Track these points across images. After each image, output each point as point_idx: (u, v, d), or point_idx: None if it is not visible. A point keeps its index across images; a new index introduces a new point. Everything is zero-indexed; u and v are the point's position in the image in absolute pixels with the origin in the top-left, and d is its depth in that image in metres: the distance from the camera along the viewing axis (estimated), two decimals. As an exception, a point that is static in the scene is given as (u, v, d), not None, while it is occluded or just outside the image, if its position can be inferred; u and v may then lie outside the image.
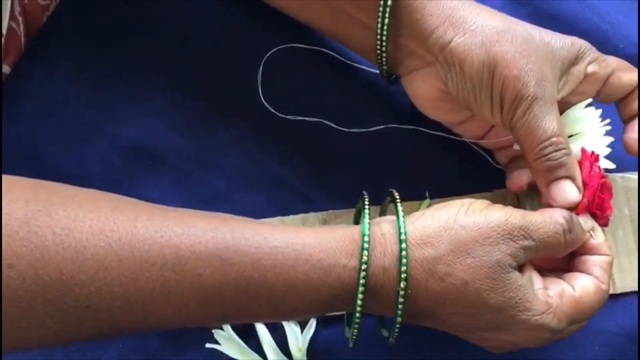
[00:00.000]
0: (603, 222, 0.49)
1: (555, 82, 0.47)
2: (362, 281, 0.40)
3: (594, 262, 0.45)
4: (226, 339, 0.51)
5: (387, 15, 0.46)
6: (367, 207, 0.44)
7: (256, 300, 0.40)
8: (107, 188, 0.52)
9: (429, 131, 0.54)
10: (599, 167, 0.48)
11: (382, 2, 0.46)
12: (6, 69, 0.54)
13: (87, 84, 0.56)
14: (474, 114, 0.50)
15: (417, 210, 0.52)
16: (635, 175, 0.54)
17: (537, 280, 0.43)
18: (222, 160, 0.55)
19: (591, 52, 0.49)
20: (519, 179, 0.51)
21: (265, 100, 0.55)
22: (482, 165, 0.55)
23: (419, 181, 0.54)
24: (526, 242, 0.42)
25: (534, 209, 0.53)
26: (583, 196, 0.47)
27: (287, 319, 0.50)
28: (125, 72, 0.56)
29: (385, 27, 0.47)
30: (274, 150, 0.55)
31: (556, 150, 0.46)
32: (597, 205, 0.48)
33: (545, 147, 0.46)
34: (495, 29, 0.46)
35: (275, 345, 0.51)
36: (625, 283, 0.53)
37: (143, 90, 0.56)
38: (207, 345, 0.50)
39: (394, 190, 0.45)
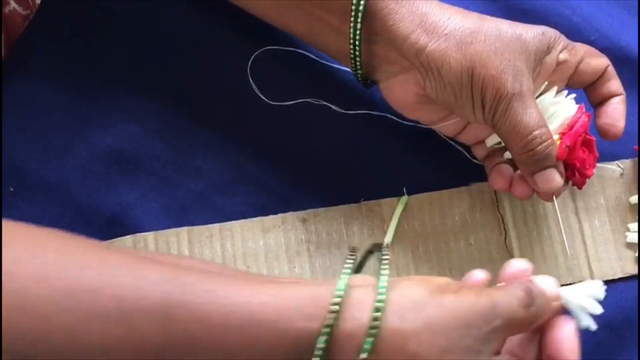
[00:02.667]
0: (580, 181, 0.49)
1: (530, 75, 0.47)
2: (321, 345, 0.37)
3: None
4: None
5: (359, 19, 0.47)
6: (349, 266, 0.40)
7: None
8: (86, 195, 0.54)
9: (406, 122, 0.54)
10: (588, 116, 0.49)
11: (353, 7, 0.47)
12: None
13: (64, 92, 0.56)
14: (452, 113, 0.51)
15: (394, 207, 0.54)
16: (609, 165, 0.55)
17: None
18: (200, 163, 0.55)
19: (561, 40, 0.50)
20: (501, 179, 0.51)
21: (249, 97, 0.55)
22: (460, 160, 0.55)
23: (396, 177, 0.55)
24: (495, 323, 0.38)
25: (512, 203, 0.54)
26: (564, 141, 0.47)
27: None
28: (102, 78, 0.56)
29: (358, 32, 0.47)
30: (251, 152, 0.56)
31: (541, 143, 0.47)
32: (579, 159, 0.48)
33: (530, 141, 0.46)
34: (468, 30, 0.47)
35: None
36: (602, 272, 0.53)
37: (121, 97, 0.56)
38: None
39: (385, 247, 0.42)
